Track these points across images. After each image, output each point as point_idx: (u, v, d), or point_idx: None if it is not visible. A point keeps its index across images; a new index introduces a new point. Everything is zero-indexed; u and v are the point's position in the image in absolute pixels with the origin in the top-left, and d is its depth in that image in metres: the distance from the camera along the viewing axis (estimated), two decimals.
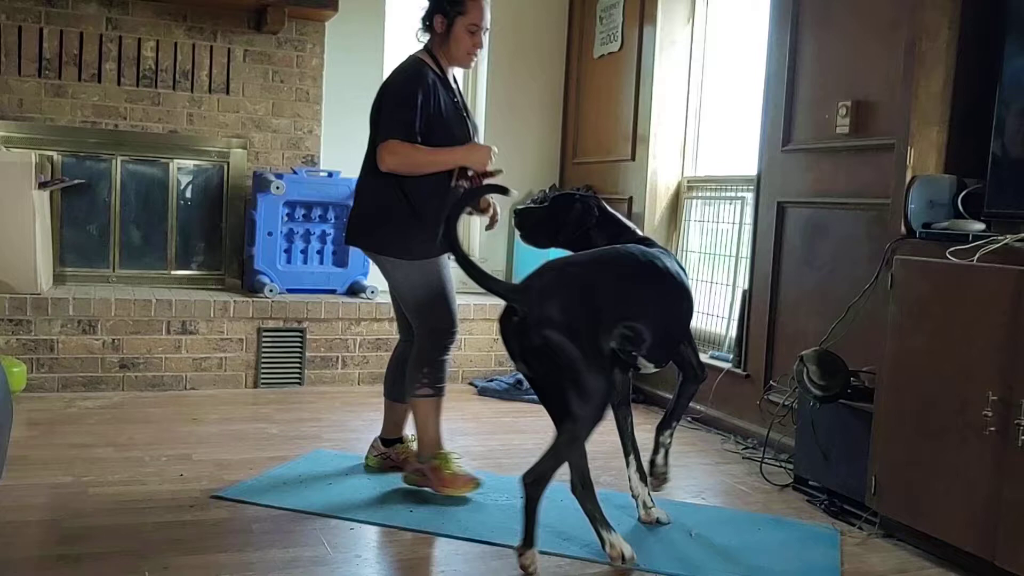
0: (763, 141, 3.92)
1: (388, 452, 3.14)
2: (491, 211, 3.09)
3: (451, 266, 2.99)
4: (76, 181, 4.56)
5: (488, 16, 2.98)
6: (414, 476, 2.99)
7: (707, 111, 4.71)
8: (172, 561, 2.35)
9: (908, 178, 2.82)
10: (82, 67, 4.57)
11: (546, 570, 2.44)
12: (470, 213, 3.11)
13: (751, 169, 4.03)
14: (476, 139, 3.05)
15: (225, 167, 4.84)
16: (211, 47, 4.77)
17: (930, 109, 2.83)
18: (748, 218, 4.10)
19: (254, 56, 4.85)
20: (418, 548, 2.57)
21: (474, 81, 5.55)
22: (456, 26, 2.92)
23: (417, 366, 2.94)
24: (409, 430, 3.12)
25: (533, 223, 2.87)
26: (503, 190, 2.57)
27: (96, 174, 4.65)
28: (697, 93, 4.73)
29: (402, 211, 2.91)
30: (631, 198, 4.84)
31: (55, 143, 4.56)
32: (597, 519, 2.50)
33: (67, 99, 4.56)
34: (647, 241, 2.78)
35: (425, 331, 2.95)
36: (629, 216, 4.85)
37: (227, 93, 4.82)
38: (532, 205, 2.93)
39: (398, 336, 3.20)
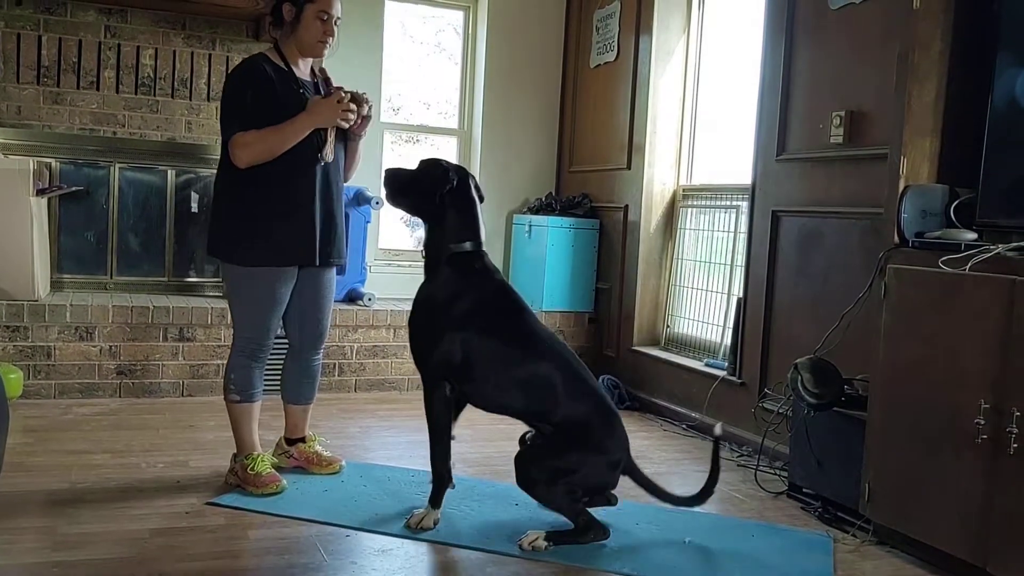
0: (758, 150, 3.95)
1: (290, 450, 3.23)
2: (363, 122, 3.01)
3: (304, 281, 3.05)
4: (74, 188, 4.58)
5: (338, 5, 2.99)
6: (231, 476, 3.07)
7: (702, 120, 4.73)
8: (168, 568, 2.36)
9: (901, 188, 2.84)
10: (80, 74, 4.59)
11: (540, 575, 2.46)
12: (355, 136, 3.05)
13: (746, 178, 4.05)
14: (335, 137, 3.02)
15: None
16: (209, 55, 4.79)
17: (923, 119, 2.85)
18: (743, 227, 4.12)
19: None
20: (414, 556, 2.58)
21: (471, 90, 5.58)
22: (305, 13, 2.93)
23: (227, 371, 3.05)
24: (310, 430, 3.28)
25: (400, 184, 2.86)
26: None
27: (94, 181, 4.67)
28: (692, 102, 4.75)
29: (241, 213, 2.93)
30: (627, 206, 4.86)
31: (53, 150, 4.57)
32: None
33: (65, 106, 4.58)
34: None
35: (237, 338, 3.03)
36: (624, 224, 4.88)
37: None
38: (402, 168, 2.93)
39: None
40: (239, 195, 2.93)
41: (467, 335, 2.70)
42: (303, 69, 3.04)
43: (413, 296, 2.86)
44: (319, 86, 3.08)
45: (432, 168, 2.81)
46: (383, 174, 2.91)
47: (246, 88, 2.87)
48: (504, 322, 2.76)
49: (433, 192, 2.75)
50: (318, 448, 3.24)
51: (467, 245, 2.78)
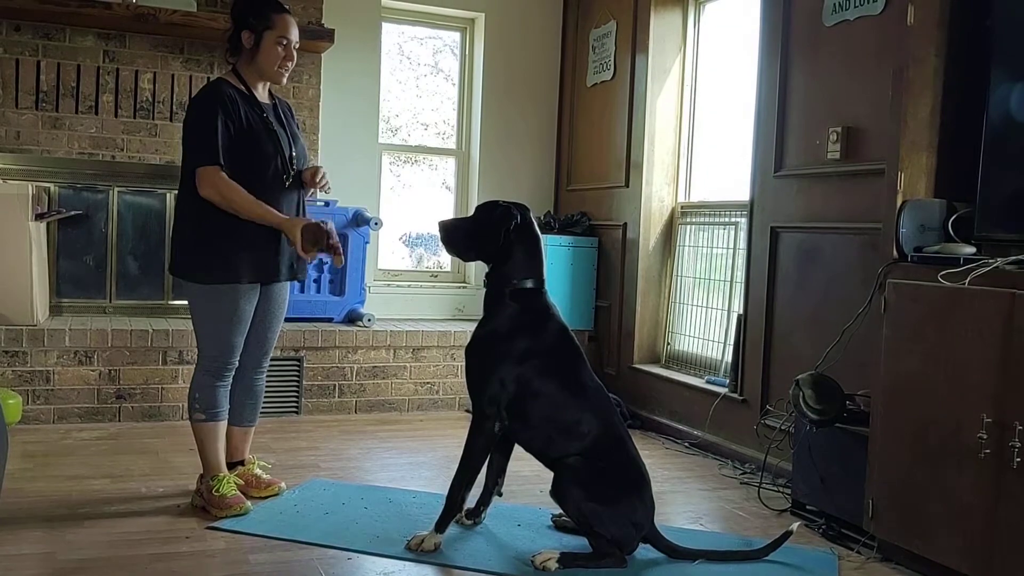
0: (755, 167, 3.96)
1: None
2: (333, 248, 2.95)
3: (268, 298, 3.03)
4: (73, 212, 4.58)
5: (296, 30, 3.01)
6: (197, 497, 3.03)
7: (700, 138, 4.75)
8: None
9: (899, 203, 2.85)
10: (79, 99, 4.60)
11: None
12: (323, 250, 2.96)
13: (744, 195, 4.06)
14: (297, 159, 3.04)
15: None
16: (208, 78, 4.79)
17: (919, 134, 2.86)
18: (742, 243, 4.13)
19: None
20: None
21: (469, 109, 5.60)
22: (264, 40, 2.95)
23: (192, 390, 3.01)
24: (250, 452, 3.22)
25: (461, 236, 2.88)
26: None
27: (93, 205, 4.67)
28: (689, 120, 4.77)
29: (205, 233, 2.92)
30: (625, 224, 4.87)
31: (52, 175, 4.58)
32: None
33: (64, 131, 4.59)
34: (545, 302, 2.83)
35: (202, 357, 2.99)
36: (623, 242, 4.88)
37: None
38: (456, 218, 2.91)
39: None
40: (203, 215, 2.91)
41: (524, 372, 2.71)
42: (262, 93, 3.06)
43: (471, 331, 2.85)
44: (277, 108, 3.10)
45: (492, 209, 2.83)
46: (438, 227, 2.90)
47: (214, 113, 2.86)
48: (561, 367, 2.77)
49: (498, 232, 2.76)
50: (257, 471, 3.18)
51: (529, 283, 2.79)
